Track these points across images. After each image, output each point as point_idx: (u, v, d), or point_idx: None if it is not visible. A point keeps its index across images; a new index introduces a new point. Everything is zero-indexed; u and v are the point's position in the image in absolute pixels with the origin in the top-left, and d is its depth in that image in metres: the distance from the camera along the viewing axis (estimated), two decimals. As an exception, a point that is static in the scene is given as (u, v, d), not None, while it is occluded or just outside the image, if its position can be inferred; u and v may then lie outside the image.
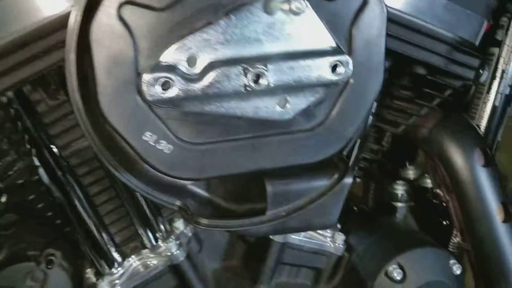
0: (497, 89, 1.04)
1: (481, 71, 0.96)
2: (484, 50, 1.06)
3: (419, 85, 0.97)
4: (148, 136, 0.62)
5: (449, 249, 1.11)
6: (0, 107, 0.83)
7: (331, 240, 1.05)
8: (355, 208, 1.25)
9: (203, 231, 1.04)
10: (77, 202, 0.90)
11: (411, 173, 1.29)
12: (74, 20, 0.58)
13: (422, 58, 0.89)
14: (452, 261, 0.98)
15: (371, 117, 1.00)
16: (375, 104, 0.99)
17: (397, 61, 0.95)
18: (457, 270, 0.97)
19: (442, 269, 0.96)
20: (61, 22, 0.64)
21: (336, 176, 0.76)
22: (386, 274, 0.95)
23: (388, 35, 0.82)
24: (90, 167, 0.90)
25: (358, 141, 0.99)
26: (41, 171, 0.88)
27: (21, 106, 0.82)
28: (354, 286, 1.03)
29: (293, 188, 0.75)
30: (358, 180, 1.37)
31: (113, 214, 0.95)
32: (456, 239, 1.09)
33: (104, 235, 0.94)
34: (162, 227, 0.97)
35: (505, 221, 0.95)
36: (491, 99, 1.05)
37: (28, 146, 0.86)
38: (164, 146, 0.63)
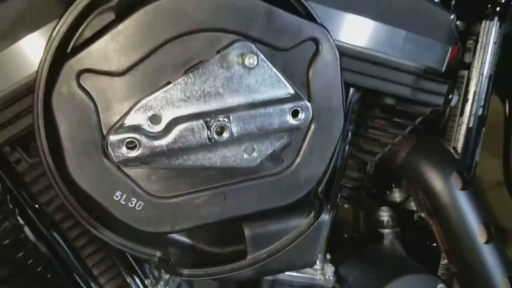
0: (469, 111, 1.07)
1: (450, 96, 0.97)
2: (454, 73, 1.09)
3: (390, 115, 0.99)
4: (119, 195, 0.64)
5: (439, 271, 1.12)
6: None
7: (321, 273, 1.05)
8: (345, 235, 1.26)
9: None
10: (64, 256, 0.92)
11: (397, 196, 1.31)
12: (37, 90, 0.61)
13: (389, 90, 0.90)
14: (440, 286, 0.98)
15: (347, 148, 1.02)
16: (350, 134, 1.01)
17: (366, 93, 0.97)
18: (445, 294, 0.98)
19: (430, 294, 0.97)
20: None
21: (312, 214, 0.77)
22: (377, 304, 0.96)
23: (352, 71, 0.85)
24: (75, 220, 0.91)
25: (336, 177, 1.01)
26: (27, 229, 0.90)
27: (0, 167, 0.84)
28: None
29: (271, 230, 0.76)
30: (346, 206, 1.40)
31: (101, 265, 0.96)
32: (444, 261, 1.10)
33: (94, 286, 0.95)
34: (150, 273, 0.98)
35: (487, 242, 0.96)
36: (465, 121, 1.07)
37: (11, 206, 0.88)
38: (135, 203, 0.65)
